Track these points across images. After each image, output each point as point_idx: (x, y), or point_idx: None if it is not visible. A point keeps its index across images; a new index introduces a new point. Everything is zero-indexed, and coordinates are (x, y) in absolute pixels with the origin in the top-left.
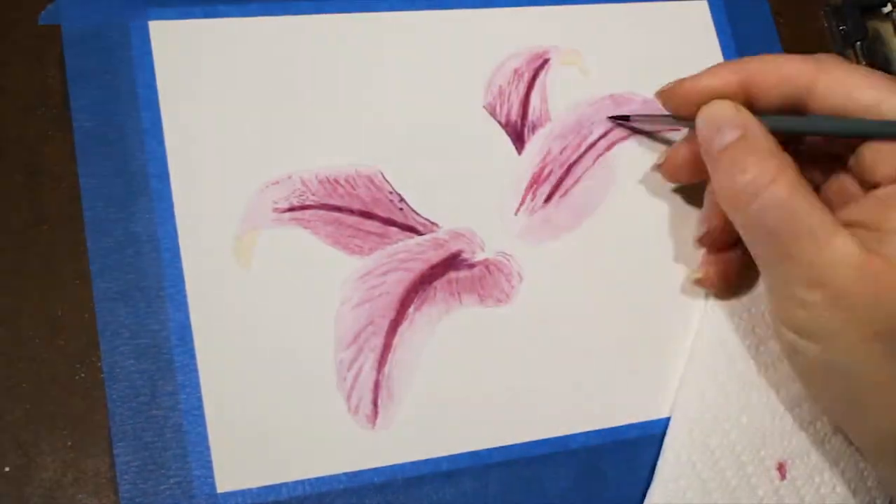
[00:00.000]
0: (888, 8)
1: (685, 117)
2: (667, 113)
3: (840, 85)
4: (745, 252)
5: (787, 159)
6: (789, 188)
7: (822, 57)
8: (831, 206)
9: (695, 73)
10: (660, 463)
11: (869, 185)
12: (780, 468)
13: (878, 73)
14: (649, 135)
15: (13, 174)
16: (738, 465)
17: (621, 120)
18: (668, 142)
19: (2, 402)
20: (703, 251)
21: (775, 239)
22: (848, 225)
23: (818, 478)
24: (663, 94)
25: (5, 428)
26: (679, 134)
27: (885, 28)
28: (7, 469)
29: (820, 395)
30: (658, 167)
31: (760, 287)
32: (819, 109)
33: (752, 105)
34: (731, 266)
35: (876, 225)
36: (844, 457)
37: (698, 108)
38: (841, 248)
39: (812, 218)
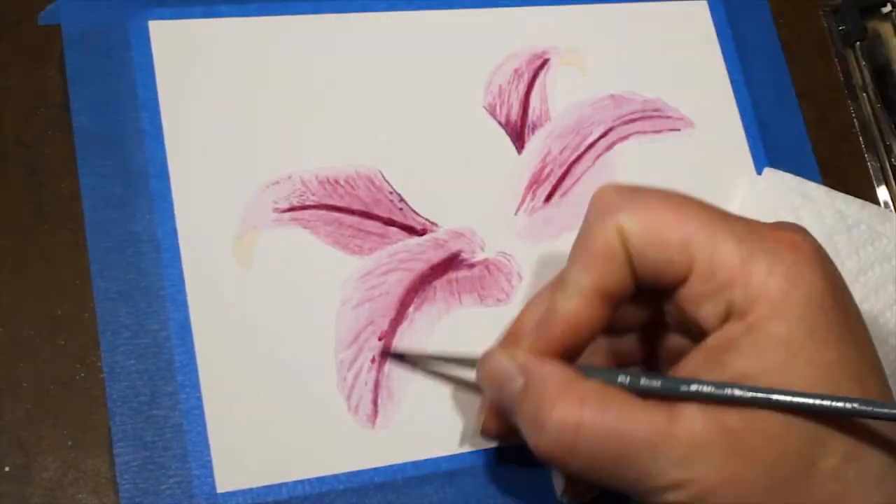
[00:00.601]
0: (888, 8)
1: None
2: (452, 352)
3: (643, 237)
4: None
5: (583, 386)
6: (602, 413)
7: (610, 200)
8: (669, 366)
9: (690, 77)
10: None
11: (695, 336)
12: None
13: (663, 197)
14: (650, 135)
15: (13, 174)
16: None
17: (397, 356)
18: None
19: (2, 401)
20: None
21: (618, 468)
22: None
23: None
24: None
25: (5, 428)
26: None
27: (885, 28)
28: (7, 469)
29: None
30: (481, 433)
31: None
32: (646, 266)
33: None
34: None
35: (717, 377)
36: None
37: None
38: (690, 435)
39: (639, 428)
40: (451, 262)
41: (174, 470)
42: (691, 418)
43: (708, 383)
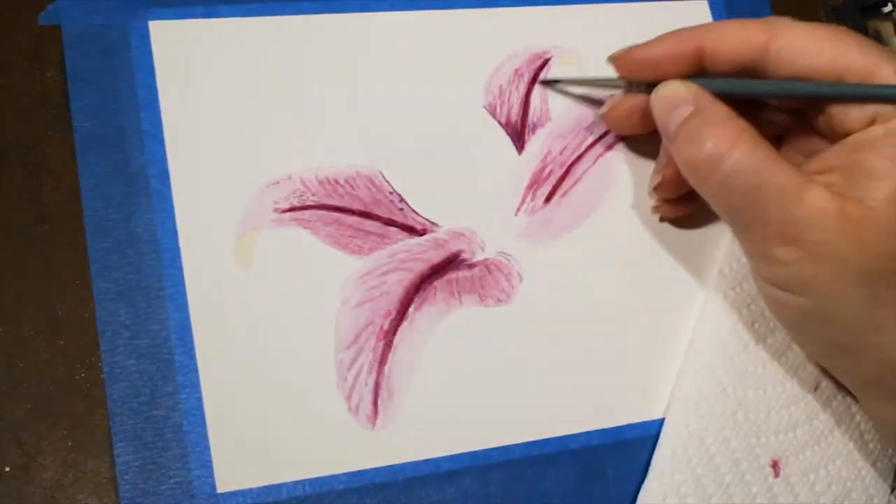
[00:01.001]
0: (888, 8)
1: (634, 82)
2: (604, 77)
3: (794, 46)
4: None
5: (743, 124)
6: (750, 151)
7: (776, 19)
8: (798, 161)
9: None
10: (655, 457)
11: (837, 137)
12: (774, 465)
13: (831, 29)
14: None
15: (13, 174)
16: (732, 462)
17: (551, 83)
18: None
19: (2, 402)
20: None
21: (744, 203)
22: (818, 173)
23: (813, 475)
24: (617, 60)
25: (5, 428)
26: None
27: (885, 28)
28: (7, 469)
29: (807, 342)
30: (601, 116)
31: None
32: (776, 72)
33: (707, 72)
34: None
35: (848, 170)
36: (841, 455)
37: (650, 75)
38: (813, 202)
39: (779, 176)
40: (452, 263)
41: (174, 470)
42: (819, 191)
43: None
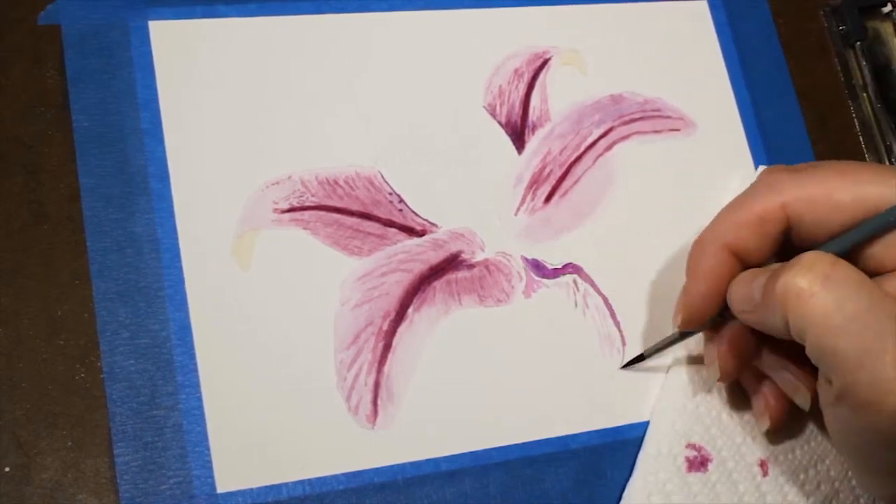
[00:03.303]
0: (888, 8)
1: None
2: (674, 335)
3: (810, 205)
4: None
5: (837, 257)
6: (854, 272)
7: (776, 178)
8: None
9: (690, 77)
10: (640, 455)
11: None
12: (762, 465)
13: (834, 170)
14: (650, 135)
15: (13, 174)
16: (719, 461)
17: (636, 362)
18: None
19: (2, 402)
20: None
21: (854, 328)
22: None
23: (802, 475)
24: (685, 326)
25: (5, 428)
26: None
27: (885, 28)
28: (7, 469)
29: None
30: (721, 380)
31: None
32: (809, 229)
33: (750, 265)
34: (742, 338)
35: None
36: (830, 455)
37: (710, 311)
38: None
39: (890, 302)
40: (451, 263)
41: (174, 470)
42: None
43: None
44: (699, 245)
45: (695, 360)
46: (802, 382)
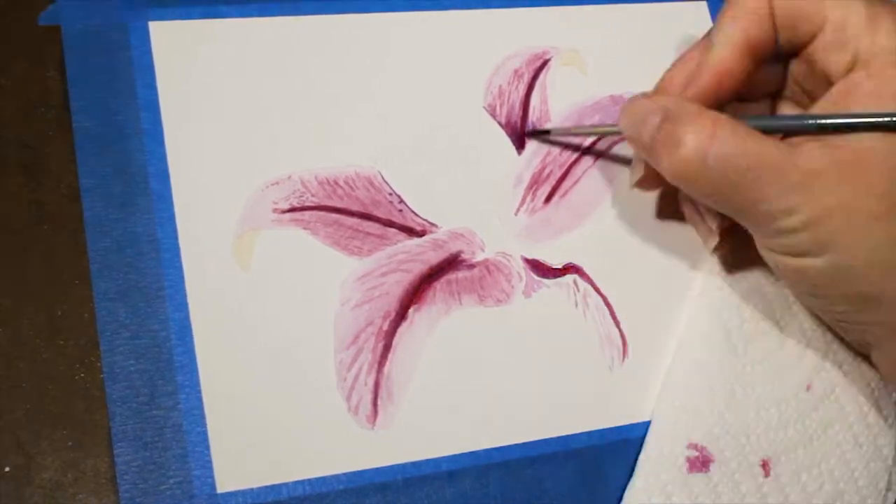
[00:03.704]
0: None
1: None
2: (587, 125)
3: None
4: None
5: (716, 114)
6: (732, 136)
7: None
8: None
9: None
10: (642, 456)
11: (822, 88)
12: (764, 465)
13: None
14: None
15: (13, 174)
16: (721, 461)
17: (541, 135)
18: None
19: (2, 402)
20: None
21: (740, 190)
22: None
23: (805, 475)
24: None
25: (5, 428)
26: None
27: None
28: (7, 469)
29: (828, 304)
30: (635, 186)
31: (751, 285)
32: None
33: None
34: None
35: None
36: (833, 455)
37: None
38: (807, 163)
39: (766, 151)
40: (451, 263)
41: (174, 470)
42: (809, 151)
43: (820, 116)
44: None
45: (696, 360)
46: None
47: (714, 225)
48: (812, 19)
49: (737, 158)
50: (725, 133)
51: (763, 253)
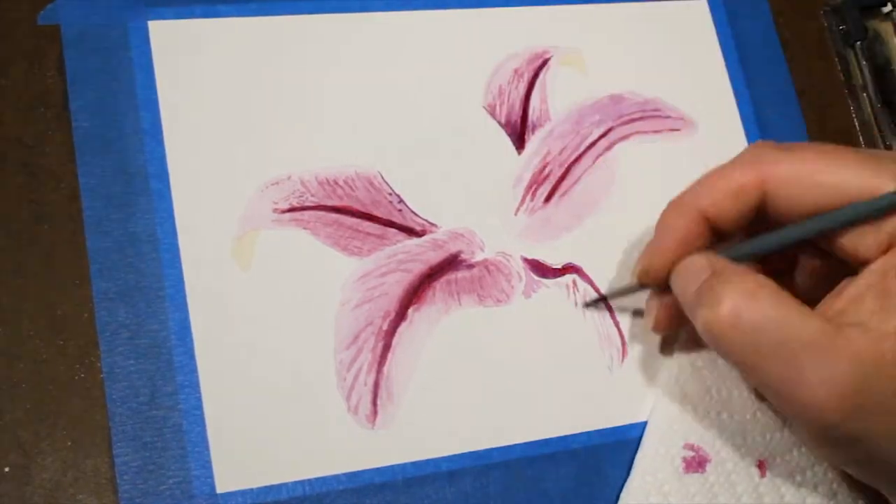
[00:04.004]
0: (888, 8)
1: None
2: (633, 284)
3: (789, 186)
4: None
5: (763, 279)
6: (772, 303)
7: (760, 153)
8: (818, 289)
9: (690, 77)
10: (638, 455)
11: (856, 262)
12: (760, 466)
13: (820, 152)
14: (650, 135)
15: (13, 174)
16: (717, 461)
17: (596, 303)
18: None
19: (2, 401)
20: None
21: (773, 363)
22: (848, 306)
23: (799, 476)
24: (640, 278)
25: (5, 428)
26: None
27: (885, 28)
28: (7, 469)
29: (862, 477)
30: (653, 329)
31: None
32: (781, 207)
33: (722, 233)
34: (677, 308)
35: (881, 299)
36: None
37: (668, 271)
38: (851, 349)
39: (808, 327)
40: (451, 263)
41: (174, 470)
42: (853, 335)
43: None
44: (674, 205)
45: (692, 361)
46: None
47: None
48: (832, 206)
49: (774, 329)
50: (766, 299)
51: (793, 431)
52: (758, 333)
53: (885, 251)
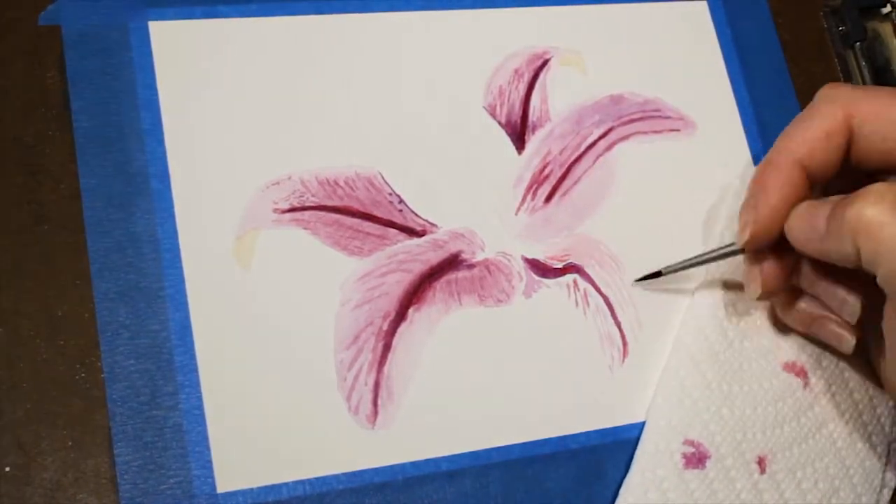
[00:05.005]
0: (887, 8)
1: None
2: (699, 255)
3: (873, 118)
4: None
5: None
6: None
7: (838, 93)
8: None
9: (690, 77)
10: (638, 452)
11: None
12: (760, 462)
13: (890, 90)
14: (650, 135)
15: (13, 174)
16: (717, 458)
17: (652, 277)
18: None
19: (2, 402)
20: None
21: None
22: None
23: (800, 473)
24: (753, 239)
25: (5, 428)
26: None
27: (885, 28)
28: (7, 469)
29: None
30: (759, 297)
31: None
32: (871, 144)
33: (817, 181)
34: (782, 267)
35: None
36: (829, 453)
37: (779, 227)
38: None
39: None
40: (451, 263)
41: (174, 470)
42: None
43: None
44: (769, 163)
45: (692, 356)
46: (850, 298)
47: (852, 313)
48: None
49: None
50: None
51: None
52: None
53: None
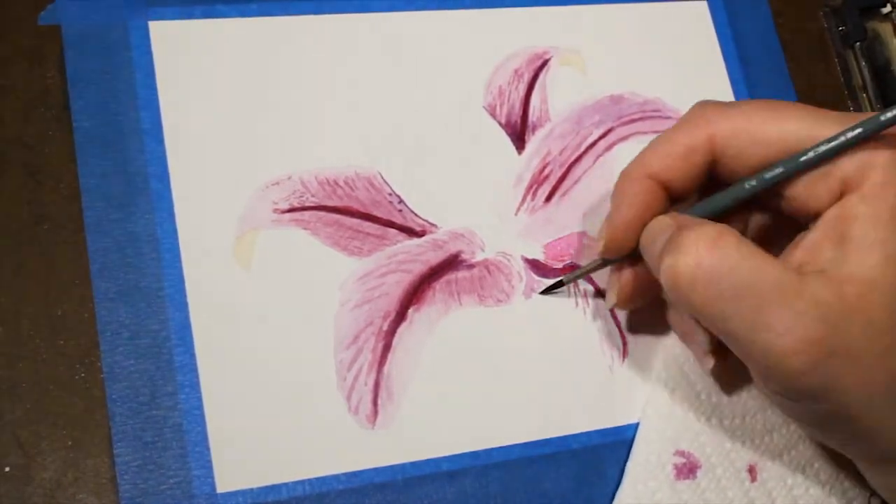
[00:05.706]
0: (888, 8)
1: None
2: (595, 262)
3: (738, 140)
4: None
5: (724, 227)
6: (735, 247)
7: (704, 110)
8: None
9: (690, 77)
10: (629, 464)
11: (809, 217)
12: (751, 470)
13: (761, 107)
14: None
15: (13, 174)
16: (707, 467)
17: (553, 288)
18: None
19: (2, 402)
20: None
21: (739, 308)
22: (807, 259)
23: (791, 479)
24: (607, 250)
25: (5, 428)
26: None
27: (885, 28)
28: (7, 469)
29: (820, 435)
30: (615, 305)
31: None
32: (733, 162)
33: (678, 196)
34: (641, 279)
35: (838, 246)
36: (819, 458)
37: (631, 243)
38: (815, 294)
39: (773, 271)
40: (451, 263)
41: (174, 470)
42: (815, 281)
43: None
44: (626, 174)
45: (680, 367)
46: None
47: (705, 343)
48: (778, 158)
49: (737, 273)
50: (729, 245)
51: (758, 388)
52: (721, 280)
53: (838, 199)
